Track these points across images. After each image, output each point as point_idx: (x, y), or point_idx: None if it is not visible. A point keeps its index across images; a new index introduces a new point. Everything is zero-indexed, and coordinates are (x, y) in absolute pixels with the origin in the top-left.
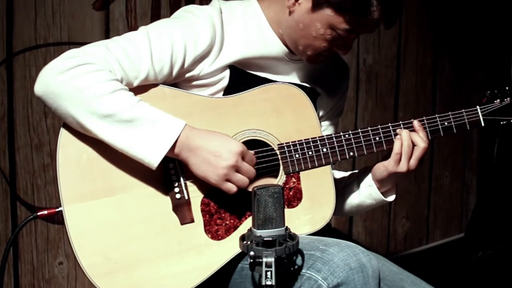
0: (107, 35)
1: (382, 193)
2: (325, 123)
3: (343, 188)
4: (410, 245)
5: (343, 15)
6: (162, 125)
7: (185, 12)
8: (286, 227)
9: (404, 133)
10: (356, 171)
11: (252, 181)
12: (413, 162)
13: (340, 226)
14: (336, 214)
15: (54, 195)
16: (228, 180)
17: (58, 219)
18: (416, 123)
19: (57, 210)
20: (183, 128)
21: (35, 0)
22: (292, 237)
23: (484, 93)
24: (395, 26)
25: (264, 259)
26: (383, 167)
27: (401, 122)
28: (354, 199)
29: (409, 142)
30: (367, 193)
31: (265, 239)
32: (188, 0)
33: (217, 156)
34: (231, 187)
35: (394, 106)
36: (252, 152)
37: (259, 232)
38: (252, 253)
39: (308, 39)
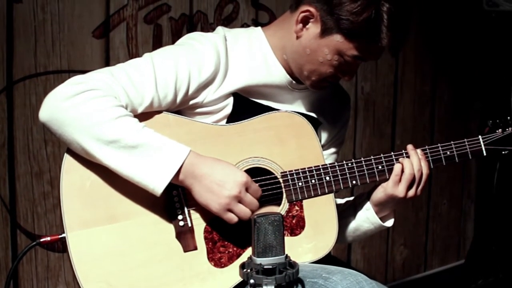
0: (107, 63)
1: (380, 218)
2: (326, 152)
3: (340, 213)
4: (408, 273)
5: (353, 42)
6: (167, 151)
7: (190, 39)
8: (286, 255)
9: (406, 160)
10: (351, 197)
11: (258, 207)
12: (413, 189)
13: (338, 254)
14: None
15: (54, 223)
16: (229, 210)
17: (59, 246)
18: (418, 151)
19: (60, 236)
20: (188, 155)
21: (35, 28)
22: (292, 265)
23: (482, 122)
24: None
25: (264, 287)
26: (381, 188)
27: (403, 151)
28: (351, 223)
29: (411, 169)
30: (364, 216)
31: (265, 267)
32: (190, 28)
33: (221, 185)
34: (232, 218)
35: (392, 134)
36: (257, 184)
37: (259, 260)
38: (252, 281)
39: (314, 64)
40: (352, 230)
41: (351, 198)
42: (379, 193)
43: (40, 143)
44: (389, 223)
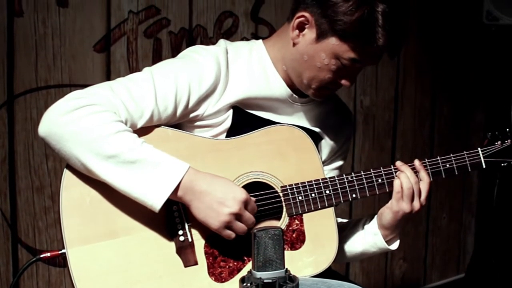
0: (108, 77)
1: (387, 241)
2: (328, 167)
3: (346, 236)
4: (408, 287)
5: (348, 43)
6: (165, 167)
7: (191, 52)
8: (286, 269)
9: (402, 175)
10: (358, 218)
11: (255, 223)
12: (416, 201)
13: (337, 267)
14: (336, 262)
15: (55, 237)
16: (228, 227)
17: (60, 261)
18: (417, 162)
19: (60, 252)
20: (187, 171)
21: (35, 42)
22: (292, 279)
23: (483, 134)
24: (393, 68)
25: None
26: (387, 210)
27: (403, 164)
28: (358, 247)
29: (408, 183)
30: (372, 241)
31: (265, 281)
32: (190, 42)
33: (221, 202)
34: (230, 234)
35: (392, 147)
36: (254, 199)
37: (259, 274)
38: None
39: (313, 70)
40: (359, 253)
41: (353, 219)
42: (386, 215)
43: (41, 157)
44: (395, 245)
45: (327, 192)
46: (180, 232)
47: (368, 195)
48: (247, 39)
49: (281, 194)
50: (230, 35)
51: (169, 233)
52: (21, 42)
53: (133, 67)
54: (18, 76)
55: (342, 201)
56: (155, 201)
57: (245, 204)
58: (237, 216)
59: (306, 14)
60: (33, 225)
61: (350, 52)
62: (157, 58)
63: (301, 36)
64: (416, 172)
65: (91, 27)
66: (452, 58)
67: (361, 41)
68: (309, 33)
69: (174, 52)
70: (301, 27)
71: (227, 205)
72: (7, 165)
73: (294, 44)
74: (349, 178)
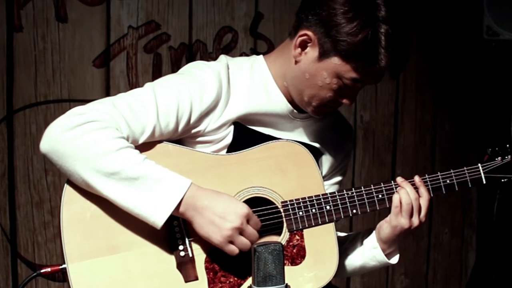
0: (107, 92)
1: (386, 255)
2: (328, 182)
3: (345, 250)
4: None
5: (351, 63)
6: (167, 183)
7: (192, 67)
8: (286, 284)
9: (402, 190)
10: (357, 232)
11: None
12: (415, 217)
13: (338, 282)
14: (337, 276)
15: (54, 252)
16: (231, 242)
17: (59, 276)
18: (417, 178)
19: (60, 267)
20: (189, 187)
21: (35, 57)
22: None
23: (483, 150)
24: (393, 83)
25: None
26: (385, 224)
27: (404, 180)
28: (357, 261)
29: (407, 198)
30: (371, 255)
31: None
32: (189, 57)
33: (222, 217)
34: (233, 249)
35: (392, 163)
36: (256, 216)
37: None
38: None
39: (314, 88)
40: (358, 267)
41: (352, 233)
42: (385, 229)
43: (40, 172)
44: (395, 259)
45: (328, 207)
46: (181, 247)
47: (368, 210)
48: (247, 54)
49: (281, 210)
50: (229, 50)
51: (170, 248)
52: (21, 57)
53: (133, 82)
54: (17, 91)
55: (342, 217)
56: (157, 217)
57: (247, 218)
58: (240, 231)
59: (309, 33)
60: (32, 240)
61: (352, 72)
62: (157, 73)
63: (303, 54)
64: (416, 188)
65: (90, 42)
66: (453, 73)
67: (364, 61)
68: (312, 52)
69: (174, 67)
70: (303, 45)
71: (229, 219)
72: (7, 180)
73: (296, 62)
74: (350, 193)
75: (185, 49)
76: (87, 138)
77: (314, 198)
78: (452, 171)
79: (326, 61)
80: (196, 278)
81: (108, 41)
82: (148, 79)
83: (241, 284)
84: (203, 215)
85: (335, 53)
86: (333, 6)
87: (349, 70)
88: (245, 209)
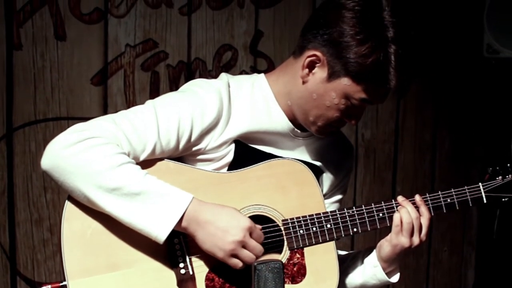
0: (105, 110)
1: (387, 274)
2: (329, 201)
3: (346, 269)
4: None
5: (361, 85)
6: (169, 198)
7: (193, 85)
8: None
9: (402, 210)
10: (357, 251)
11: (263, 251)
12: (415, 236)
13: None
14: None
15: (54, 269)
16: (234, 256)
17: None
18: (417, 197)
19: (61, 284)
20: (191, 202)
21: (34, 75)
22: None
23: (483, 169)
24: (393, 102)
25: None
26: (386, 243)
27: (405, 199)
28: (358, 280)
29: (408, 217)
30: (371, 273)
31: None
32: (188, 75)
33: (225, 231)
34: (237, 263)
35: (392, 181)
36: (260, 227)
37: None
38: None
39: (321, 109)
40: (358, 286)
41: (353, 252)
42: (385, 247)
43: (39, 190)
44: (395, 278)
45: (328, 226)
46: (181, 265)
47: (369, 229)
48: (246, 72)
49: (282, 228)
50: (229, 68)
51: (170, 265)
52: (20, 75)
53: (130, 100)
54: (17, 109)
55: (343, 235)
56: (160, 232)
57: (250, 232)
58: (243, 244)
59: (318, 53)
60: (32, 257)
61: (362, 93)
62: (154, 91)
63: (311, 75)
64: (417, 207)
65: (88, 60)
66: (453, 91)
67: (374, 83)
68: (320, 72)
69: (172, 85)
70: (311, 66)
71: (232, 233)
72: (6, 197)
73: (303, 82)
74: (350, 212)
75: (183, 67)
76: (88, 154)
77: (314, 216)
78: (453, 190)
79: (336, 81)
80: None
81: (105, 59)
82: (146, 97)
83: None
84: (205, 229)
85: (345, 74)
86: (343, 27)
87: (359, 90)
88: (247, 222)
